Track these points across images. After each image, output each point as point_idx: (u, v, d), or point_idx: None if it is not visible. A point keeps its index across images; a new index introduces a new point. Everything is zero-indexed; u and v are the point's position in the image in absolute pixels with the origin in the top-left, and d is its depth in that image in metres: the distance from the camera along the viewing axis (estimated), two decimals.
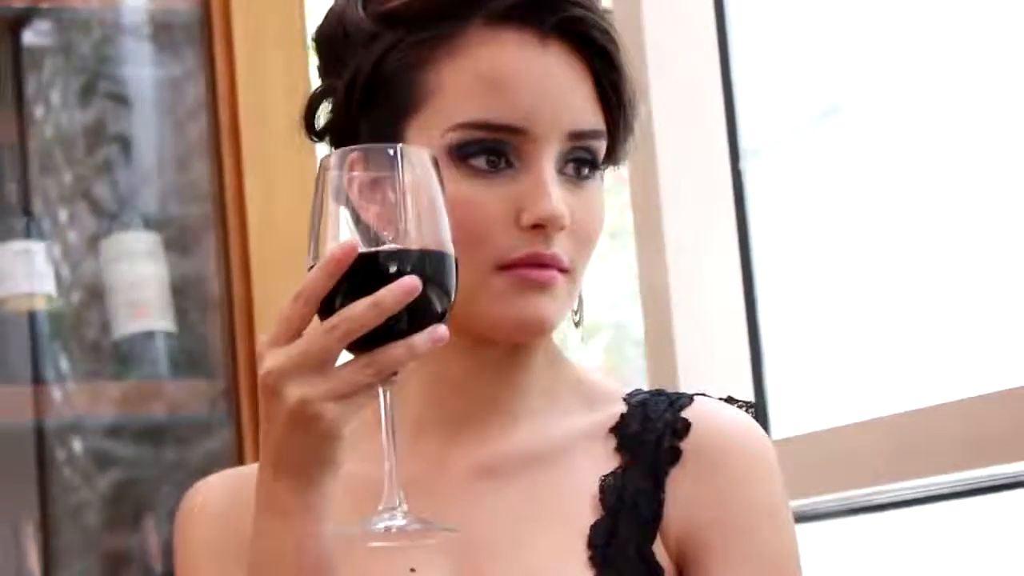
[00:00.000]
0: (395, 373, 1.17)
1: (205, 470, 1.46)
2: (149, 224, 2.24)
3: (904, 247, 2.03)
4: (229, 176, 2.13)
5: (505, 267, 1.28)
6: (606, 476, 1.31)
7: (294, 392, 1.15)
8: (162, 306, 2.20)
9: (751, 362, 2.14)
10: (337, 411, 1.16)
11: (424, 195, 1.17)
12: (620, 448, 1.33)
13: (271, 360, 1.17)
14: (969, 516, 1.92)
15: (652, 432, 1.32)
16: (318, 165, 1.20)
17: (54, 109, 2.35)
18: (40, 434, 2.23)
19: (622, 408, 1.35)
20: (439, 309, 1.17)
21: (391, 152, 1.18)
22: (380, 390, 1.17)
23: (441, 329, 1.16)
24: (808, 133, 2.19)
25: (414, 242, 1.16)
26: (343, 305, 1.15)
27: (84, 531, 2.27)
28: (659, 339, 2.13)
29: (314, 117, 1.38)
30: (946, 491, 1.87)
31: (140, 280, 2.19)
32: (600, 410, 1.36)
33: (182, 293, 2.24)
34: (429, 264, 1.16)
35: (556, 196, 1.27)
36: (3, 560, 2.19)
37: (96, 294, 2.22)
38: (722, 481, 1.30)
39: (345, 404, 1.16)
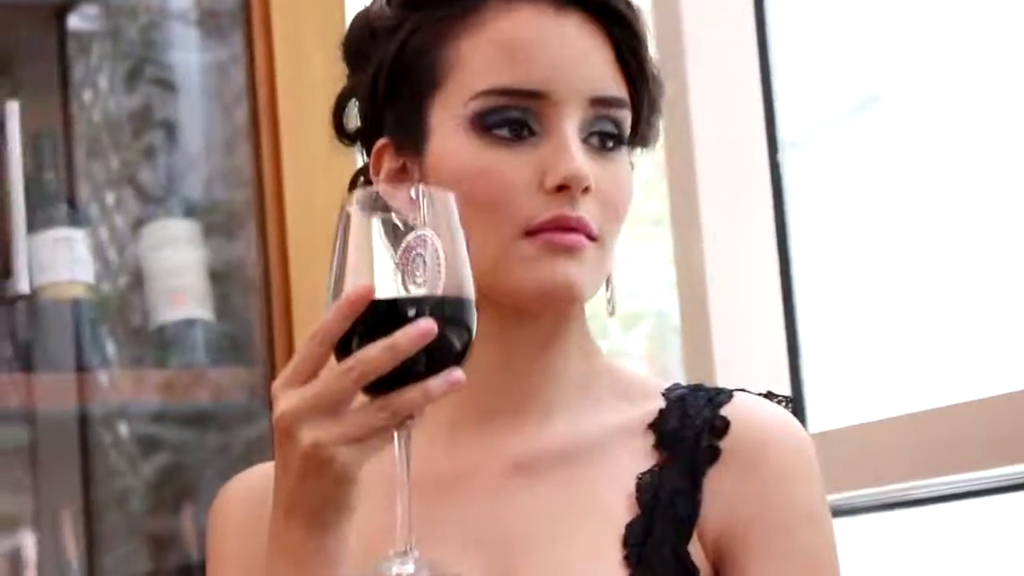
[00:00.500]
0: (410, 417, 1.13)
1: (245, 458, 1.44)
2: (193, 210, 2.22)
3: (944, 241, 1.99)
4: (267, 163, 2.10)
5: (531, 233, 1.26)
6: (643, 474, 1.29)
7: (307, 435, 1.13)
8: (201, 294, 2.17)
9: (788, 355, 2.10)
10: (350, 455, 1.13)
11: (445, 236, 1.14)
12: (658, 445, 1.31)
13: (285, 402, 1.14)
14: (1005, 512, 1.88)
15: (691, 429, 1.30)
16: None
17: (101, 94, 2.33)
18: (82, 421, 2.22)
19: (660, 404, 1.33)
20: (457, 351, 1.14)
21: (413, 193, 1.15)
22: (395, 434, 1.14)
23: (457, 373, 1.13)
24: (847, 124, 2.15)
25: (426, 286, 1.13)
26: (360, 346, 1.12)
27: (127, 517, 2.26)
28: (696, 330, 2.09)
29: (342, 117, 1.38)
30: (981, 487, 1.84)
31: (180, 267, 2.16)
32: (638, 405, 1.33)
33: (228, 278, 2.21)
34: (448, 306, 1.13)
35: (580, 158, 1.26)
36: (44, 548, 2.18)
37: (137, 282, 2.19)
38: (762, 479, 1.28)
39: (359, 448, 1.13)
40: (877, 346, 2.08)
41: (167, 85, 2.33)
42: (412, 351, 1.11)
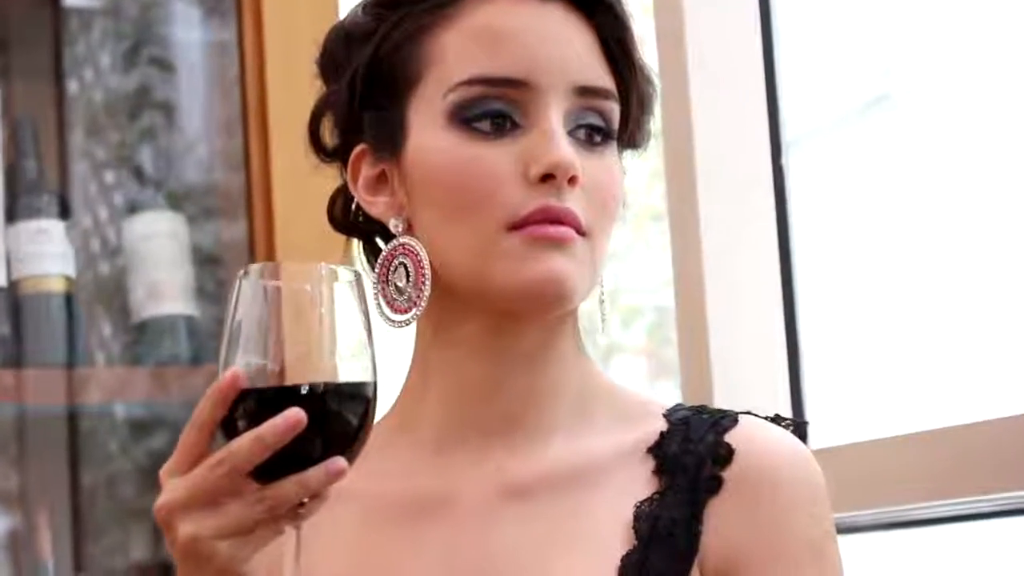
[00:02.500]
0: (300, 505, 1.02)
1: None
2: (180, 201, 2.10)
3: (955, 248, 1.85)
4: (256, 152, 1.98)
5: (516, 226, 1.15)
6: (641, 503, 1.18)
7: (184, 529, 1.03)
8: (187, 288, 2.05)
9: (788, 370, 1.95)
10: (232, 548, 1.02)
11: (345, 319, 1.03)
12: (658, 471, 1.19)
13: (165, 493, 1.04)
14: (1009, 536, 1.76)
15: (693, 456, 1.19)
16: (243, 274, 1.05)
17: (101, 73, 2.22)
18: (70, 418, 2.13)
19: (662, 425, 1.21)
20: (348, 437, 1.02)
21: (316, 273, 1.04)
22: (287, 527, 1.03)
23: (339, 463, 1.01)
24: (854, 123, 2.00)
25: (322, 369, 1.02)
26: (245, 430, 1.01)
27: (111, 509, 2.17)
28: (693, 337, 1.94)
29: (319, 131, 1.26)
30: (985, 510, 1.71)
31: (165, 260, 2.04)
32: (638, 427, 1.21)
33: (223, 262, 2.10)
34: (333, 393, 1.02)
35: (565, 146, 1.15)
36: (23, 544, 2.10)
37: (121, 275, 2.08)
38: (767, 511, 1.17)
39: (241, 541, 1.02)
40: (883, 360, 1.94)
41: (165, 66, 2.21)
42: (280, 444, 1.00)
